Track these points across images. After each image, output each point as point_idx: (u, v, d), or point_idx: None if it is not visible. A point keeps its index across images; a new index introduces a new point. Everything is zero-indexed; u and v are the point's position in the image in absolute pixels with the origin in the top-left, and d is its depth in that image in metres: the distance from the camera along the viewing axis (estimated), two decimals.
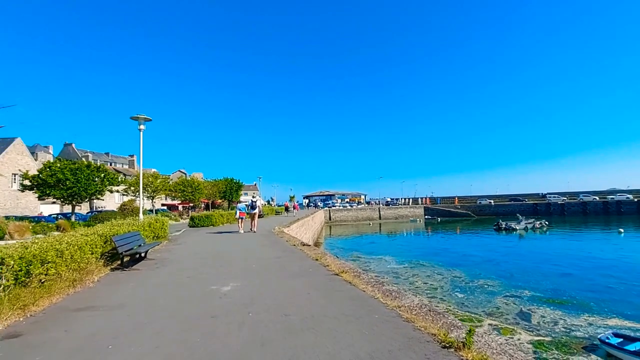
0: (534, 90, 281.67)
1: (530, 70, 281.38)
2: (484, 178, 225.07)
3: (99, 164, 25.40)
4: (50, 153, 64.41)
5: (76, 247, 5.57)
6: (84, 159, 74.68)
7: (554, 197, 73.89)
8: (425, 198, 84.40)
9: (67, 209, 36.50)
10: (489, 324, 13.28)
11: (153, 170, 71.31)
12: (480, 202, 76.08)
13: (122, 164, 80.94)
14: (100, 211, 33.31)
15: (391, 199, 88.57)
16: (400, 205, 78.05)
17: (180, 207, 56.62)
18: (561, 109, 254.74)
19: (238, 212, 16.73)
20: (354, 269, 6.52)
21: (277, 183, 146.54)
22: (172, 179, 58.05)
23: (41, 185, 20.51)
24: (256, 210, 16.73)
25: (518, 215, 49.07)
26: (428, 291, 17.86)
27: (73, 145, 77.09)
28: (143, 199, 37.78)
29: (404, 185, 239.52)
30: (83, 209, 55.72)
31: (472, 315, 14.22)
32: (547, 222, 47.00)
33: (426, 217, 70.37)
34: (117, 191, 33.44)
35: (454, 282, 19.47)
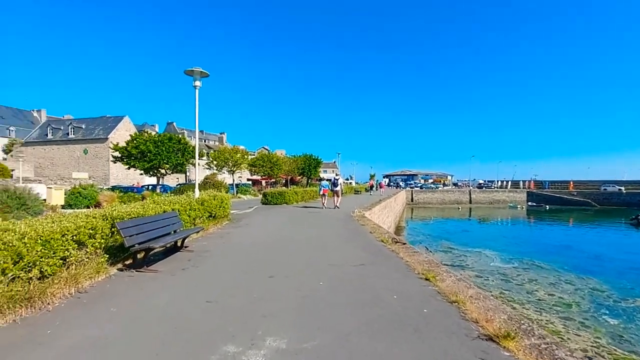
0: None
1: None
2: (607, 160, 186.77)
3: (180, 137, 25.50)
4: (155, 130, 72.02)
5: (33, 240, 3.38)
6: (180, 135, 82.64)
7: None
8: (529, 181, 72.04)
9: (168, 180, 39.33)
10: None
11: (241, 147, 74.75)
12: (604, 189, 61.71)
13: (214, 140, 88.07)
14: (183, 184, 34.62)
15: (484, 181, 78.29)
16: (495, 189, 68.14)
17: (263, 183, 57.79)
18: None
19: (322, 189, 17.54)
20: (514, 319, 3.15)
21: (355, 161, 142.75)
22: (254, 155, 59.40)
23: (127, 156, 21.04)
24: (338, 188, 17.28)
25: None
26: (558, 308, 13.13)
27: (174, 124, 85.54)
28: (227, 173, 38.48)
29: (500, 166, 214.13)
30: (181, 181, 60.97)
31: None
32: None
33: (529, 203, 59.72)
34: (197, 164, 34.19)
35: (595, 298, 14.18)
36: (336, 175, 18.64)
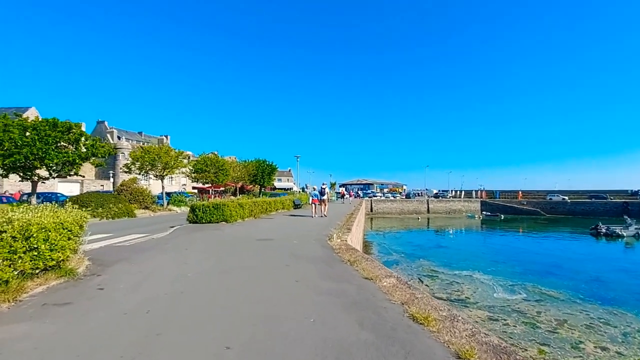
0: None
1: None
2: (540, 172, 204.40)
3: (71, 124, 18.08)
4: (81, 128, 60.07)
5: None
6: (108, 135, 70.40)
7: None
8: (481, 191, 72.62)
9: (90, 187, 30.41)
10: None
11: (188, 152, 63.68)
12: (550, 198, 63.69)
13: (154, 143, 77.42)
14: (105, 192, 26.54)
15: (439, 190, 77.80)
16: (451, 198, 67.44)
17: (211, 192, 48.48)
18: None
19: (311, 198, 18.79)
20: None
21: (312, 168, 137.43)
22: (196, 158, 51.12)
23: None
24: (325, 197, 18.56)
25: (625, 217, 37.54)
26: None
27: (105, 122, 72.85)
28: (155, 178, 30.35)
29: (450, 176, 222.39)
30: (107, 188, 50.32)
31: None
32: None
33: (485, 213, 59.28)
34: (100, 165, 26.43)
35: None
36: (323, 185, 19.62)
